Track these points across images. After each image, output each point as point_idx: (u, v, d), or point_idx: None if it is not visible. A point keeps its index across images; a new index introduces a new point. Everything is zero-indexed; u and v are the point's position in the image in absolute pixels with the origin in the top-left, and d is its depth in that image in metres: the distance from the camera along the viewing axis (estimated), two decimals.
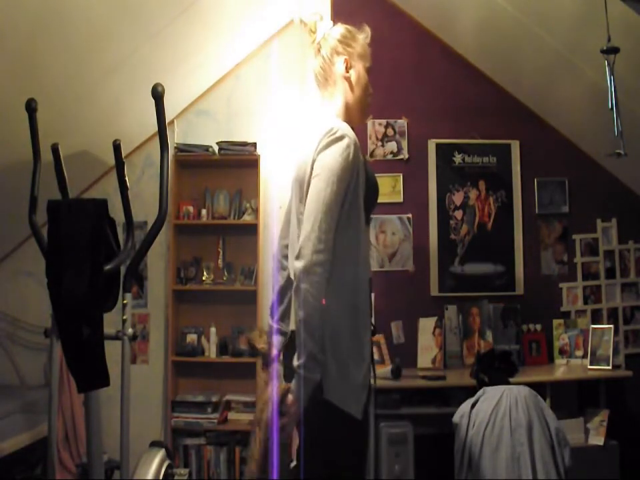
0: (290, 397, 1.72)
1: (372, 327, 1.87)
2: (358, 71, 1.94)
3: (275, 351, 2.03)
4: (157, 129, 1.80)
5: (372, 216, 3.36)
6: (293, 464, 3.16)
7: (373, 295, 3.45)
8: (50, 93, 2.82)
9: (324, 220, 1.71)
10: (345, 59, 1.92)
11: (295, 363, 1.70)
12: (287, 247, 2.04)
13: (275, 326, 2.04)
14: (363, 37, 1.99)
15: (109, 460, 2.57)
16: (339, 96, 1.94)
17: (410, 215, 3.63)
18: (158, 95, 1.75)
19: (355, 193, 1.81)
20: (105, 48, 2.91)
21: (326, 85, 1.95)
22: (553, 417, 2.71)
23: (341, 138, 1.77)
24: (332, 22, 2.48)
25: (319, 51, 1.95)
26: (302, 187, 1.83)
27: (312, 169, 1.78)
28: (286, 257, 2.05)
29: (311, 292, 1.68)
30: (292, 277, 1.80)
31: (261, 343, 2.12)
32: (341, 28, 1.98)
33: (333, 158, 1.75)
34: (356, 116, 1.96)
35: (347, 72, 1.92)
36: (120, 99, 3.44)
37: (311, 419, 1.71)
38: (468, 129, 3.69)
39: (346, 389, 1.73)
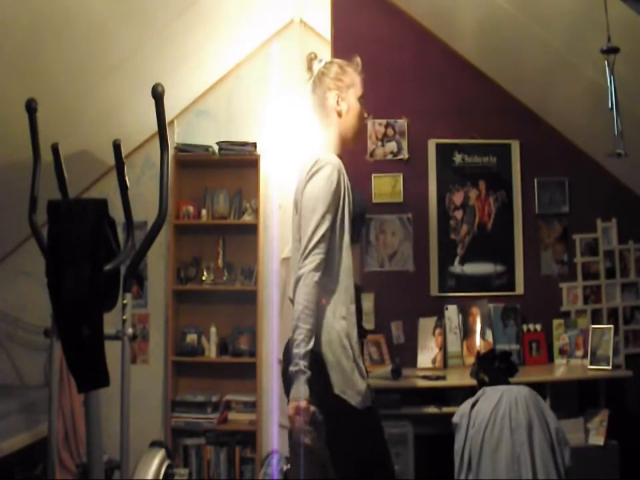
0: (291, 405, 1.79)
1: (361, 329, 2.02)
2: (348, 102, 2.11)
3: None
4: (157, 128, 1.80)
5: (372, 216, 3.46)
6: (287, 467, 3.19)
7: (372, 295, 3.50)
8: (50, 93, 2.82)
9: (315, 248, 1.87)
10: (336, 94, 2.09)
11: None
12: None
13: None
14: (353, 68, 2.14)
15: (109, 460, 2.57)
16: (333, 126, 2.11)
17: (410, 215, 3.63)
18: (158, 95, 1.76)
19: (342, 214, 1.95)
20: (105, 48, 2.91)
21: (322, 117, 2.13)
22: (553, 417, 2.71)
23: (323, 168, 1.93)
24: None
25: (314, 89, 2.13)
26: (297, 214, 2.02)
27: (302, 198, 1.95)
28: None
29: (298, 300, 1.83)
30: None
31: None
32: (333, 65, 2.14)
33: (317, 187, 1.92)
34: (350, 140, 2.15)
35: (338, 105, 2.09)
36: (120, 98, 3.44)
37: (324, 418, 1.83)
38: (468, 129, 3.69)
39: (341, 380, 1.87)
